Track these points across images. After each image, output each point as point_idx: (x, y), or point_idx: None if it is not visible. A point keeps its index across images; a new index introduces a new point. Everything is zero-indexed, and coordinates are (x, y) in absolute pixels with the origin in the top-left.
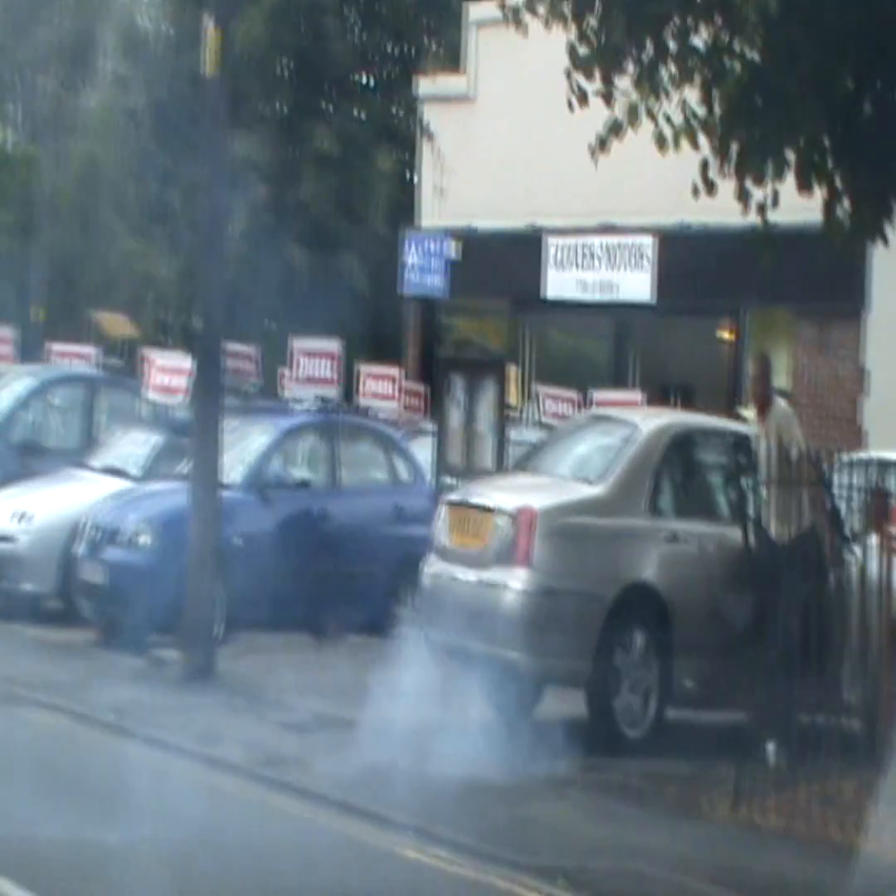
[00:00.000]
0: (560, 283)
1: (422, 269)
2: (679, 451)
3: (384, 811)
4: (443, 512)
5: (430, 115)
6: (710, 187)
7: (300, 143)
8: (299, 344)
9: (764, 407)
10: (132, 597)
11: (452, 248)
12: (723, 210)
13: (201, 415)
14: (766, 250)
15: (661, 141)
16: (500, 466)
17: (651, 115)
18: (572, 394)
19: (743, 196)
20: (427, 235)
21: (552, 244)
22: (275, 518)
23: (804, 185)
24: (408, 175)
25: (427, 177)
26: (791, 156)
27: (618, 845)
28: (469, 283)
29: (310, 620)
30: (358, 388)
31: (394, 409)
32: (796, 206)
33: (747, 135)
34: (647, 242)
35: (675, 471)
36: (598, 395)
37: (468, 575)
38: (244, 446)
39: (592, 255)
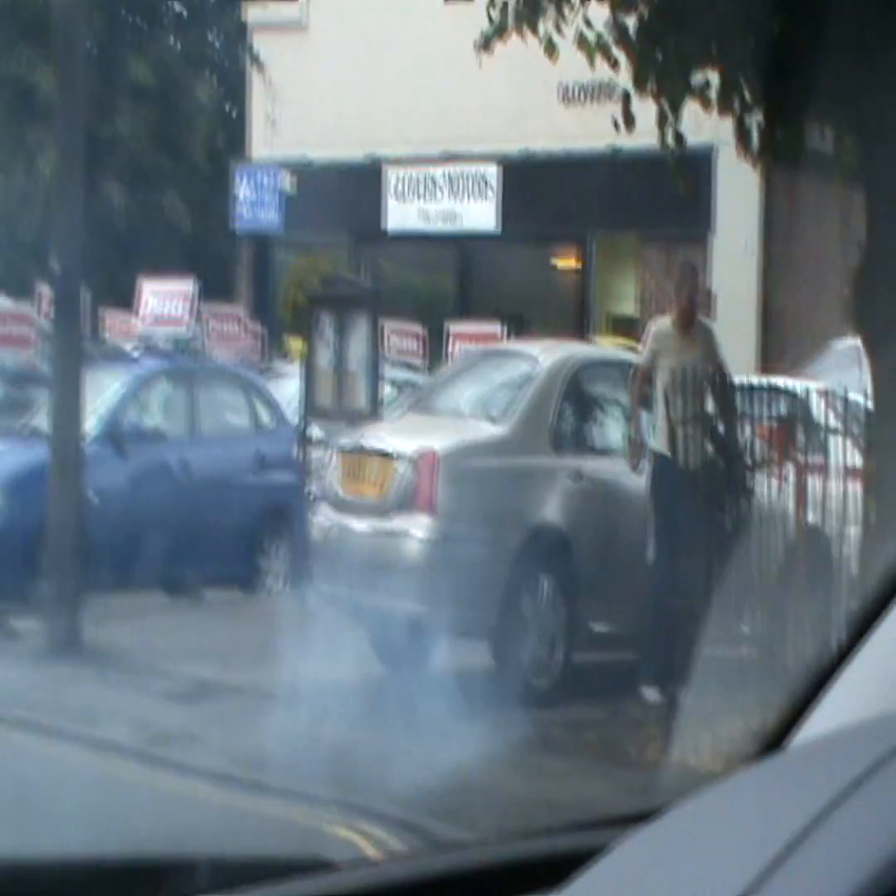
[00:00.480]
0: (401, 214)
1: (254, 203)
2: (581, 384)
3: (298, 786)
4: (334, 459)
5: (261, 43)
6: (630, 123)
7: (112, 75)
8: (149, 284)
9: (689, 323)
10: None
11: (286, 181)
12: (566, 136)
13: (61, 362)
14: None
15: (582, 43)
16: (375, 408)
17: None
18: (418, 328)
19: (662, 121)
20: (259, 168)
21: (392, 174)
22: (132, 472)
23: (726, 106)
24: (228, 107)
25: (258, 107)
26: (711, 75)
27: (555, 802)
28: (306, 217)
29: (172, 578)
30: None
31: (238, 351)
32: (643, 129)
33: (668, 48)
34: (491, 171)
35: (578, 405)
36: (454, 327)
37: (364, 525)
38: (96, 396)
39: (434, 185)
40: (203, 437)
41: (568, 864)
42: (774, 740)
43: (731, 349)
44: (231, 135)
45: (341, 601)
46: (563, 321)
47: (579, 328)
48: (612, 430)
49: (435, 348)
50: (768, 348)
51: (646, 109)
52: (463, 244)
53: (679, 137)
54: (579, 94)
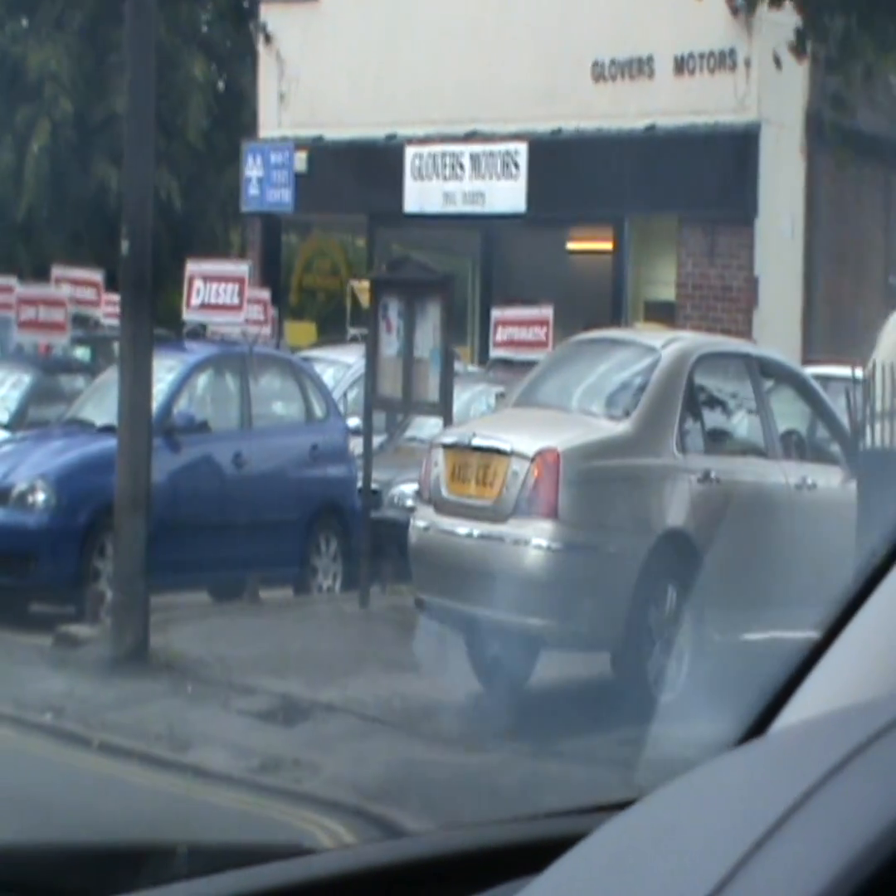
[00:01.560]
0: (422, 195)
1: (264, 182)
2: (705, 378)
3: (440, 816)
4: (437, 456)
5: (270, 17)
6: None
7: (105, 53)
8: (196, 267)
9: None
10: (27, 564)
11: (299, 160)
12: (598, 114)
13: (131, 347)
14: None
15: None
16: (448, 400)
17: None
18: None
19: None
20: (270, 146)
21: (412, 153)
22: (184, 465)
23: None
24: (221, 85)
25: (268, 84)
26: None
27: None
28: (319, 197)
29: (227, 578)
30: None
31: (259, 336)
32: (682, 108)
33: None
34: (519, 149)
35: (703, 401)
36: (500, 314)
37: (474, 530)
38: None
39: (458, 165)
40: (256, 428)
41: (549, 851)
42: (756, 727)
43: (776, 336)
44: (226, 113)
45: (443, 611)
46: (595, 307)
47: (613, 314)
48: (738, 427)
49: (457, 335)
50: (811, 335)
51: (683, 86)
52: (488, 226)
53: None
54: (612, 70)
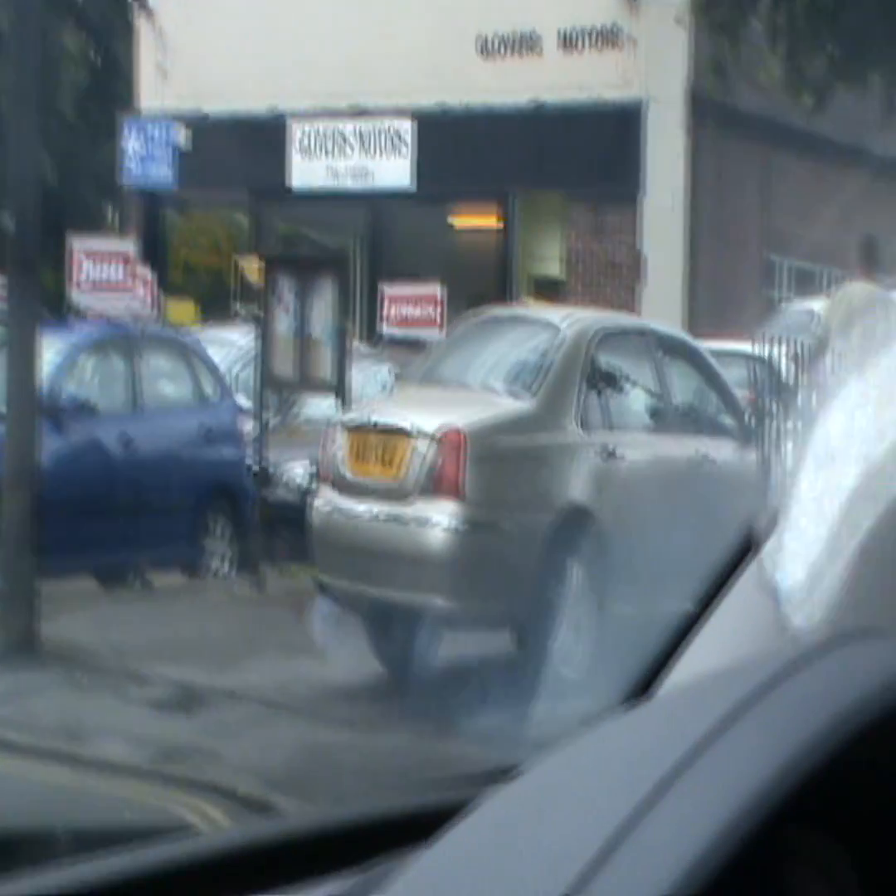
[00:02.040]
0: (307, 171)
1: (144, 157)
2: (606, 355)
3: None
4: (337, 436)
5: None
6: None
7: None
8: (79, 244)
9: None
10: None
11: (180, 135)
12: (485, 90)
13: (18, 327)
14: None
15: None
16: (342, 379)
17: None
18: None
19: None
20: (149, 121)
21: (296, 129)
22: (70, 447)
23: None
24: (93, 56)
25: (147, 56)
26: None
27: None
28: (201, 172)
29: (115, 562)
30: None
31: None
32: (568, 84)
33: None
34: (405, 126)
35: (604, 378)
36: (390, 290)
37: (377, 510)
38: None
39: (344, 141)
40: (144, 409)
41: (434, 822)
42: (640, 690)
43: (660, 311)
44: (100, 86)
45: (345, 593)
46: (483, 283)
47: (501, 291)
48: (638, 402)
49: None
50: (695, 311)
51: (569, 63)
52: (374, 203)
53: None
54: (499, 46)
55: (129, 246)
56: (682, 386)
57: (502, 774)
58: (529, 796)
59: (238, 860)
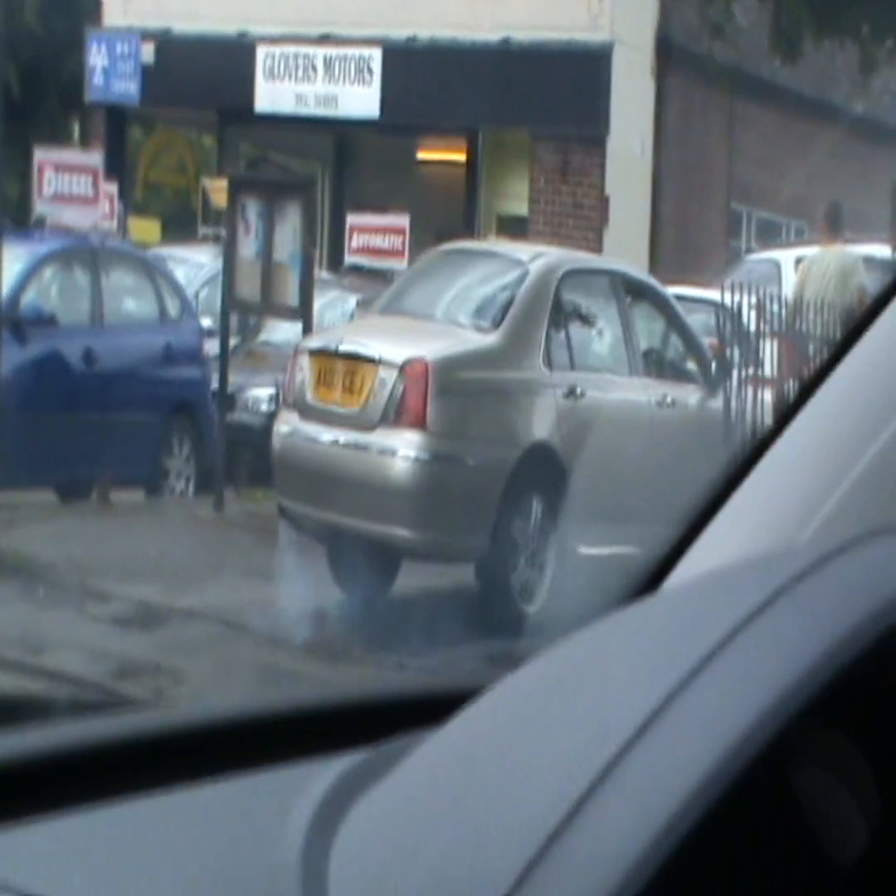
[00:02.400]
0: (274, 95)
1: (109, 72)
2: (571, 294)
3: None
4: (302, 361)
5: None
6: None
7: None
8: (45, 156)
9: None
10: None
11: (145, 51)
12: (452, 24)
13: None
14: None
15: None
16: (307, 304)
17: None
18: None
19: None
20: (115, 36)
21: (263, 53)
22: (31, 359)
23: None
24: None
25: None
26: None
27: None
28: (167, 91)
29: (75, 476)
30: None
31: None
32: (537, 23)
33: None
34: (374, 55)
35: (569, 317)
36: (356, 219)
37: (340, 437)
38: None
39: (311, 67)
40: (107, 325)
41: (445, 704)
42: (646, 586)
43: (624, 256)
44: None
45: (305, 519)
46: (448, 218)
47: (466, 227)
48: (602, 343)
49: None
50: (658, 257)
51: (541, 3)
52: (340, 131)
53: None
54: None
55: (96, 160)
56: (648, 329)
57: (513, 661)
58: (555, 676)
59: (244, 729)
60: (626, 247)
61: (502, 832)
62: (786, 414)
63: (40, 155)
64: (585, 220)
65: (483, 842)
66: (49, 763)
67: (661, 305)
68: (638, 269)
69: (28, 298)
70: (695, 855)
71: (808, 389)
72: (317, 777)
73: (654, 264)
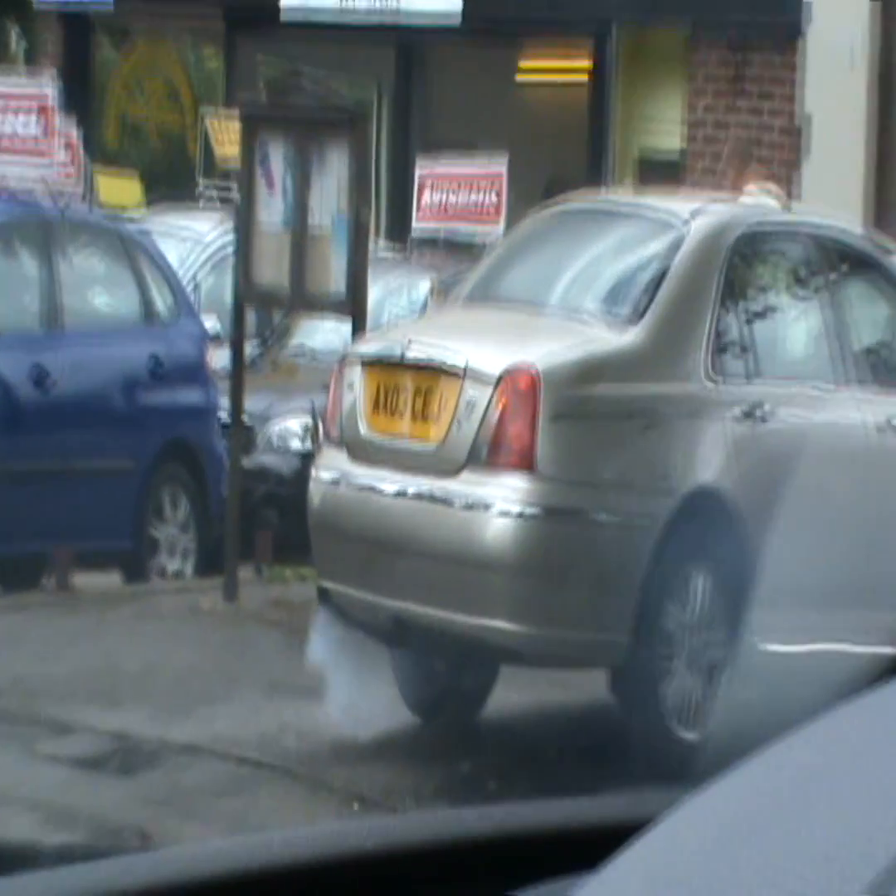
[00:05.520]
0: None
1: None
2: (751, 267)
3: None
4: (352, 376)
5: None
6: None
7: None
8: None
9: None
10: None
11: None
12: None
13: None
14: None
15: None
16: (359, 291)
17: None
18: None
19: None
20: None
21: None
22: None
23: None
24: None
25: None
26: None
27: None
28: None
29: (21, 555)
30: None
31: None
32: None
33: None
34: None
35: (749, 302)
36: (429, 166)
37: (408, 486)
38: None
39: None
40: (67, 331)
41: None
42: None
43: (830, 203)
44: None
45: (358, 607)
46: (564, 160)
47: (591, 172)
48: (798, 341)
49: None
50: (885, 200)
51: None
52: (405, 40)
53: None
54: None
55: (47, 88)
56: (869, 316)
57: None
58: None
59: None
60: (833, 193)
61: None
62: None
63: None
64: (770, 154)
65: None
66: None
67: (889, 281)
68: (852, 225)
69: None
70: None
71: None
72: None
73: (879, 218)
